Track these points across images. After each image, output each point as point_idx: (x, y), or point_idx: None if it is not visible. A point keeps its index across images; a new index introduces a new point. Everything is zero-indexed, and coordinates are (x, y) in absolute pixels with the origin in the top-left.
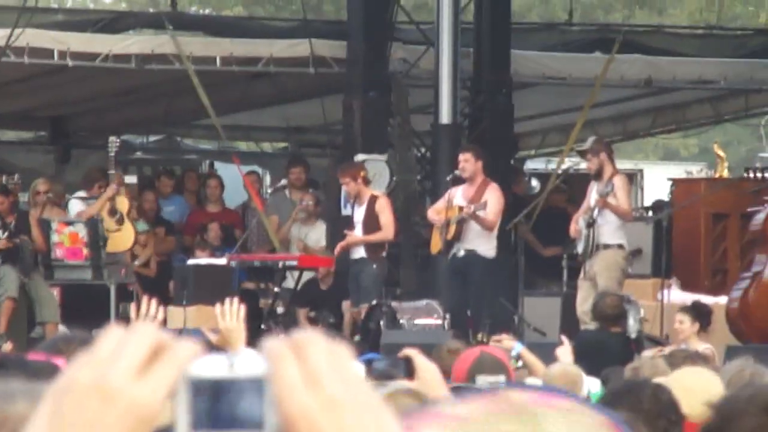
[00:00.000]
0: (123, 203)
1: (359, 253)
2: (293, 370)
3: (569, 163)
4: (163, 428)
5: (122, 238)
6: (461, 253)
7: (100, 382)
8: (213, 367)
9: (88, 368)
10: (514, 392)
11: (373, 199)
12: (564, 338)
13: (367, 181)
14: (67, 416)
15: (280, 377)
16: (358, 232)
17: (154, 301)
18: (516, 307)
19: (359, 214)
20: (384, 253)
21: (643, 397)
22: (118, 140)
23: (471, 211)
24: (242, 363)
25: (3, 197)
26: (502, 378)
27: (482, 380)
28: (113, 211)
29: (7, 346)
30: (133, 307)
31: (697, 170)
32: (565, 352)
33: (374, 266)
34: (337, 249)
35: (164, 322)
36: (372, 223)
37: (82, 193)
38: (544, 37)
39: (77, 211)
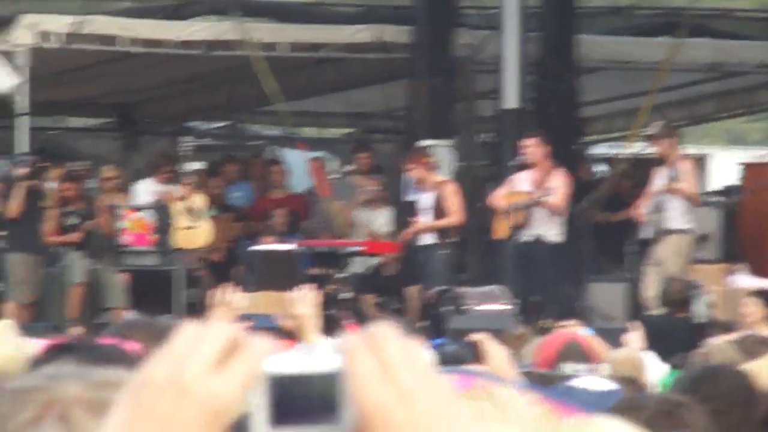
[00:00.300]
0: (202, 201)
1: (427, 239)
2: (368, 364)
3: (635, 148)
4: (238, 422)
5: (200, 234)
6: (527, 238)
7: (176, 377)
8: (289, 363)
9: (164, 364)
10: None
11: (440, 185)
12: (633, 324)
13: (433, 167)
14: (144, 411)
15: (356, 371)
16: (425, 219)
17: (231, 288)
18: (581, 293)
19: (426, 201)
20: (452, 239)
21: (723, 383)
22: (190, 144)
23: (537, 197)
24: (318, 358)
25: (71, 184)
26: (589, 367)
27: (569, 367)
28: (190, 210)
29: (78, 331)
30: (210, 293)
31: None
32: (633, 338)
33: (443, 252)
34: (404, 236)
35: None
36: (439, 208)
37: (148, 180)
38: (609, 21)
39: (143, 196)
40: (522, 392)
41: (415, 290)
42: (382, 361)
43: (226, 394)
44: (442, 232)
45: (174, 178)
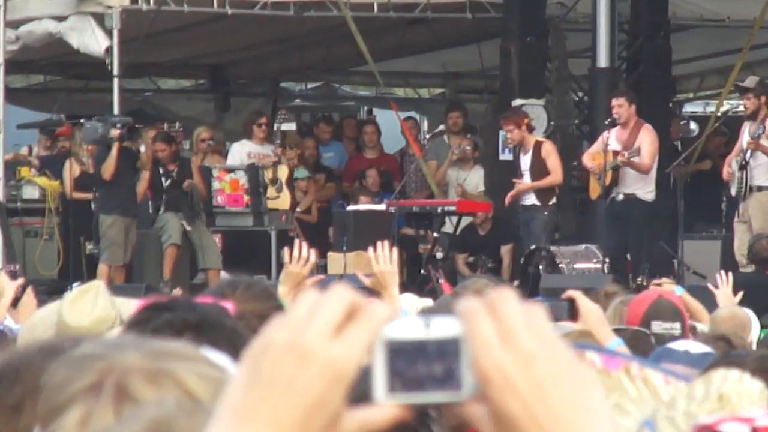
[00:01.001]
0: (283, 171)
1: (530, 199)
2: (488, 328)
3: (728, 105)
4: (358, 387)
5: (279, 204)
6: (620, 197)
7: (297, 342)
8: (409, 329)
9: (284, 329)
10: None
11: (538, 145)
12: (720, 277)
13: (531, 128)
14: (264, 376)
15: (476, 335)
16: (525, 180)
17: (305, 245)
18: (676, 251)
19: (525, 162)
20: (554, 199)
21: None
22: (285, 112)
23: (625, 158)
24: (437, 324)
25: (165, 145)
26: (677, 325)
27: (657, 326)
28: (274, 180)
29: (177, 292)
30: (286, 251)
31: None
32: (724, 294)
33: (545, 213)
34: (508, 198)
35: (318, 266)
36: (539, 168)
37: (243, 141)
38: None
39: (238, 157)
40: (668, 378)
41: (508, 249)
42: (503, 326)
43: (345, 359)
44: (544, 192)
45: (268, 138)
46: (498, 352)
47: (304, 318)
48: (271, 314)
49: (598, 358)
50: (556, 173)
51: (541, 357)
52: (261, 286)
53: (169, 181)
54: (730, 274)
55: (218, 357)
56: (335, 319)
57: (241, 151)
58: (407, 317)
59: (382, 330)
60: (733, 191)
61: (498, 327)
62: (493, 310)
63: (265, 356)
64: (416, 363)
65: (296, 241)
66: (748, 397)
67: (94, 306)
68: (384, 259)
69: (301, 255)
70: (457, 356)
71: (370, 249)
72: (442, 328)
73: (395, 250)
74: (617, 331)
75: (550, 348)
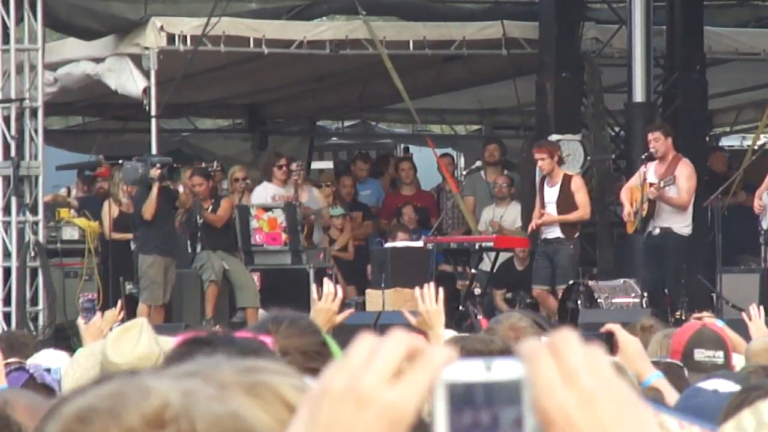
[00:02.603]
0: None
1: (554, 233)
2: (550, 369)
3: (765, 139)
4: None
5: None
6: (657, 231)
7: (355, 387)
8: (469, 371)
9: (342, 374)
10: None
11: (567, 179)
12: (752, 309)
13: (561, 161)
14: (323, 422)
15: (538, 376)
16: (551, 212)
17: (330, 283)
18: (714, 285)
19: (552, 194)
20: (577, 234)
21: None
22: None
23: (660, 188)
24: (499, 366)
25: (202, 179)
26: (720, 354)
27: (700, 354)
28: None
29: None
30: (314, 288)
31: None
32: (758, 326)
33: (570, 246)
34: (532, 226)
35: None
36: (566, 202)
37: (265, 183)
38: (737, 14)
39: (262, 201)
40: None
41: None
42: (565, 366)
43: (405, 403)
44: (569, 226)
45: (289, 179)
46: (560, 392)
47: (362, 362)
48: (315, 350)
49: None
50: (584, 208)
51: (603, 397)
52: (305, 322)
53: (201, 217)
54: (761, 307)
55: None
56: (393, 363)
57: (264, 195)
58: (468, 360)
59: (442, 373)
60: (764, 224)
61: (560, 368)
62: (554, 351)
63: (324, 402)
64: (478, 406)
65: (325, 279)
66: None
67: (137, 343)
68: (430, 298)
69: (329, 291)
70: (518, 399)
71: (417, 288)
72: (503, 370)
73: (441, 289)
74: (656, 364)
75: (612, 388)
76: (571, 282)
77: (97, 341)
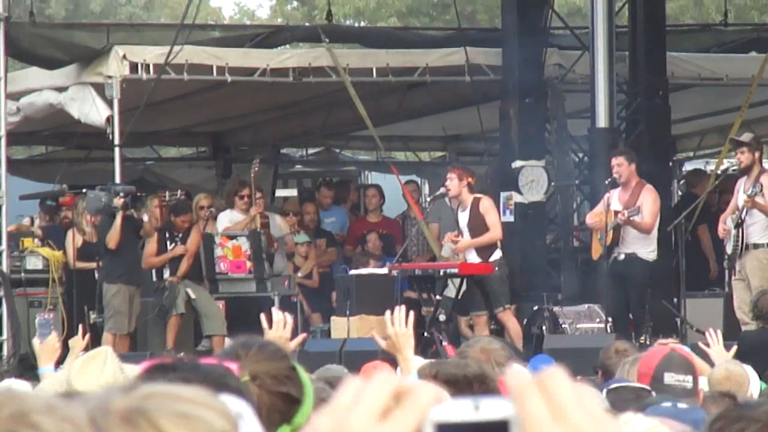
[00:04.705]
0: (257, 221)
1: (473, 258)
2: (539, 406)
3: (727, 163)
4: None
5: None
6: (621, 256)
7: (343, 428)
8: (458, 411)
9: (330, 416)
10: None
11: (476, 201)
12: (710, 335)
13: (471, 188)
14: None
15: (527, 413)
16: (466, 237)
17: (279, 312)
18: (678, 309)
19: (463, 218)
20: (499, 254)
21: None
22: (257, 162)
23: (625, 217)
24: (487, 405)
25: (185, 216)
26: (690, 378)
27: (670, 377)
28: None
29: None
30: (263, 318)
31: None
32: (717, 351)
33: (496, 269)
34: (453, 252)
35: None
36: (477, 225)
37: (228, 210)
38: (699, 39)
39: (224, 226)
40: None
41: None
42: (554, 403)
43: None
44: (485, 249)
45: (250, 205)
46: (550, 429)
47: (350, 404)
48: (284, 374)
49: None
50: (494, 229)
51: None
52: (274, 347)
53: (173, 245)
54: (719, 331)
55: (235, 402)
56: (380, 404)
57: (230, 220)
58: (456, 399)
59: (431, 413)
60: (729, 249)
61: (548, 405)
62: (542, 387)
63: None
64: None
65: (273, 309)
66: None
67: (102, 371)
68: (399, 321)
69: (279, 319)
70: None
71: (387, 312)
72: (491, 409)
73: (411, 313)
74: (618, 389)
75: (601, 424)
76: (535, 308)
77: (52, 359)
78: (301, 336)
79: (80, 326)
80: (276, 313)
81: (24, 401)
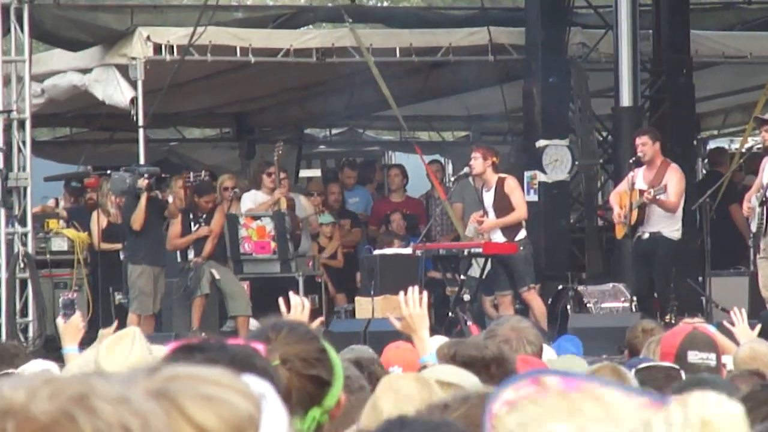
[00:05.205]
0: (283, 203)
1: (497, 238)
2: None
3: (752, 141)
4: None
5: None
6: (646, 235)
7: None
8: None
9: None
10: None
11: (500, 181)
12: (735, 314)
13: (496, 168)
14: None
15: None
16: (491, 217)
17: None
18: (703, 288)
19: (488, 198)
20: (523, 232)
21: None
22: (281, 144)
23: (651, 196)
24: None
25: (208, 197)
26: (713, 356)
27: (693, 356)
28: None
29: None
30: (282, 303)
31: None
32: (742, 330)
33: (521, 248)
34: (478, 232)
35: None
36: (503, 205)
37: (253, 191)
38: (723, 17)
39: (248, 207)
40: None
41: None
42: None
43: None
44: (510, 229)
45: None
46: None
47: None
48: (315, 356)
49: (558, 381)
50: (520, 209)
51: None
52: (304, 329)
53: (197, 226)
54: (743, 310)
55: (258, 383)
56: None
57: (254, 201)
58: None
59: None
60: (754, 227)
61: None
62: None
63: None
64: None
65: (290, 292)
66: (731, 422)
67: (130, 352)
68: (413, 302)
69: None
70: None
71: (401, 293)
72: None
73: (425, 293)
74: (649, 369)
75: None
76: (560, 287)
77: (76, 340)
78: (318, 320)
79: (115, 320)
80: (293, 297)
81: (91, 385)
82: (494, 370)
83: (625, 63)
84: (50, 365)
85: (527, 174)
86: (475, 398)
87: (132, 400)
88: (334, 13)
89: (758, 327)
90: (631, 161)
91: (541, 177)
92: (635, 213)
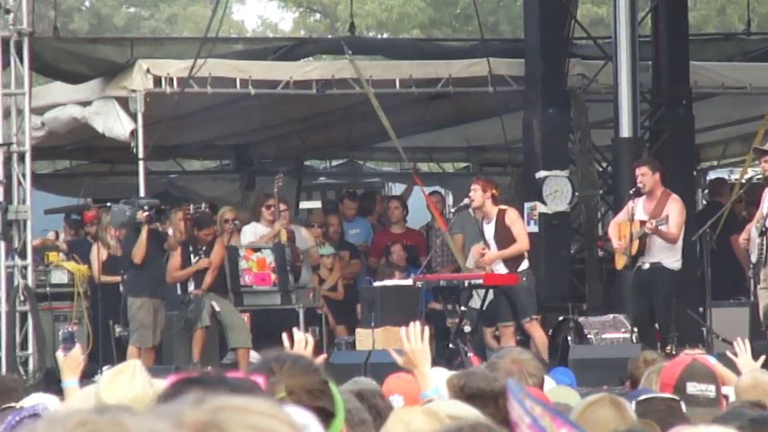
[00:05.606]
0: (283, 236)
1: (501, 269)
2: None
3: (752, 172)
4: None
5: None
6: (646, 266)
7: None
8: None
9: None
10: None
11: (501, 213)
12: (738, 345)
13: (496, 200)
14: None
15: None
16: (493, 250)
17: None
18: (704, 319)
19: (489, 231)
20: (526, 264)
21: None
22: (281, 176)
23: (653, 226)
24: None
25: (208, 230)
26: (712, 387)
27: (693, 387)
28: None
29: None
30: (285, 338)
31: None
32: (745, 361)
33: (523, 279)
34: (478, 266)
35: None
36: (504, 237)
37: (253, 223)
38: (722, 48)
39: (248, 239)
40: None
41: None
42: None
43: None
44: (513, 260)
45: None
46: None
47: None
48: (319, 388)
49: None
50: (522, 240)
51: None
52: (307, 361)
53: (197, 258)
54: (746, 340)
55: (300, 414)
56: None
57: (254, 233)
58: None
59: None
60: (753, 258)
61: None
62: None
63: None
64: None
65: (294, 329)
66: None
67: (130, 384)
68: (415, 337)
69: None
70: None
71: (402, 328)
72: None
73: (426, 328)
74: (649, 400)
75: None
76: (560, 318)
77: (76, 373)
78: (321, 357)
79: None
80: (297, 332)
81: (124, 425)
82: (502, 402)
83: (625, 94)
84: (50, 399)
85: (527, 205)
86: (468, 429)
87: None
88: (334, 45)
89: (762, 358)
90: (631, 192)
91: (541, 208)
92: (636, 243)
